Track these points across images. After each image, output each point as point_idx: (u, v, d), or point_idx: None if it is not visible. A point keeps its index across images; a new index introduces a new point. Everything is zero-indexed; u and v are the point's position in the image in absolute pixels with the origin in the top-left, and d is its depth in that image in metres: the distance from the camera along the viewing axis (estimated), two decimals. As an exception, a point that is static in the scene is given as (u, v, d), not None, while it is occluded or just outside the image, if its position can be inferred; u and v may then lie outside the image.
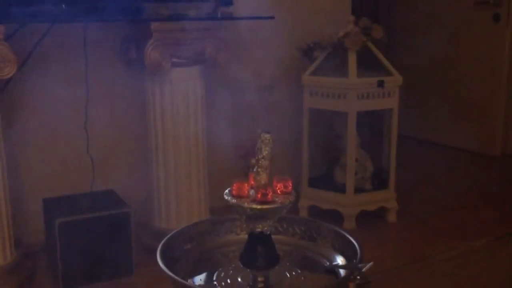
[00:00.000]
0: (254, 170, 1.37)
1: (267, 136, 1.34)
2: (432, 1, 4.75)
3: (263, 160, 1.36)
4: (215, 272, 1.48)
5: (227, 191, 1.39)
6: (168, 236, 1.52)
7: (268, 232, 1.39)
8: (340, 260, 1.52)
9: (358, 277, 1.33)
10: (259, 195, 1.34)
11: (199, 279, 1.47)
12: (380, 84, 2.92)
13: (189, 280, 1.43)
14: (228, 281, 1.44)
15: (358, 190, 3.04)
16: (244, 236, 1.47)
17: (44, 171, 2.79)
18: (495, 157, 4.40)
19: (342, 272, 1.44)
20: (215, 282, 1.44)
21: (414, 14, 4.95)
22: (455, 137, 4.66)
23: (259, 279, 1.41)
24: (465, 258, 2.66)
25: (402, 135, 3.36)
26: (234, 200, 1.36)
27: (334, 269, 1.48)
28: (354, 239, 1.49)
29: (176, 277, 1.32)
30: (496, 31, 4.30)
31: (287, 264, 1.52)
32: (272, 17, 2.77)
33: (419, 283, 2.44)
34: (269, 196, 1.34)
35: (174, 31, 2.52)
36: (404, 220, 3.12)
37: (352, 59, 2.94)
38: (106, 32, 2.77)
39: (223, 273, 1.47)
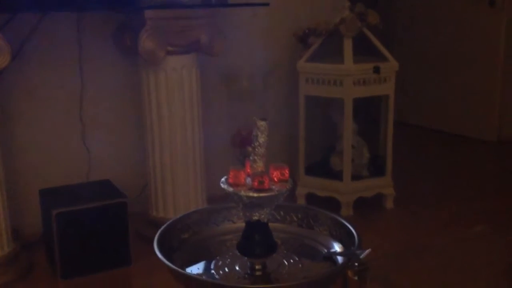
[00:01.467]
0: (251, 157, 1.37)
1: (263, 123, 1.33)
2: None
3: (259, 147, 1.35)
4: (212, 260, 1.48)
5: (223, 179, 1.38)
6: (165, 225, 1.51)
7: (265, 220, 1.39)
8: (337, 247, 1.51)
9: (356, 264, 1.32)
10: (255, 183, 1.33)
11: (197, 268, 1.47)
12: (376, 70, 2.90)
13: (186, 269, 1.43)
14: (226, 269, 1.44)
15: (355, 177, 3.04)
16: (241, 224, 1.47)
17: (40, 162, 2.78)
18: (492, 143, 4.40)
19: (340, 259, 1.44)
20: (212, 271, 1.43)
21: (411, 0, 4.93)
22: (452, 123, 4.66)
23: (257, 267, 1.41)
24: (461, 244, 2.67)
25: (399, 121, 3.35)
26: (230, 188, 1.35)
27: (331, 256, 1.48)
28: (352, 226, 1.49)
29: (173, 266, 1.32)
30: (491, 16, 4.28)
31: (285, 251, 1.52)
32: (266, 4, 2.75)
33: (416, 269, 2.44)
34: (265, 184, 1.33)
35: (168, 19, 2.50)
36: (401, 207, 3.12)
37: (348, 45, 2.93)
38: (101, 21, 2.75)
39: (220, 262, 1.47)
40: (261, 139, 1.34)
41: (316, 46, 3.05)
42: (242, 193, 1.33)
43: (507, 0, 4.23)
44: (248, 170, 1.38)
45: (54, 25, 2.66)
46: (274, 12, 3.14)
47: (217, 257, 1.50)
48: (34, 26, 2.60)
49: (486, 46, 4.36)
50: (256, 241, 1.39)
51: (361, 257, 1.33)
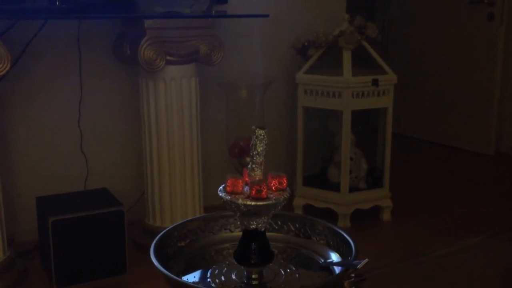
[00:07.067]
0: (249, 166, 1.36)
1: (262, 132, 1.33)
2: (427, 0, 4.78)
3: (257, 156, 1.35)
4: (209, 269, 1.47)
5: (221, 187, 1.38)
6: (161, 233, 1.50)
7: (263, 229, 1.38)
8: (334, 257, 1.51)
9: (353, 275, 1.32)
10: (253, 192, 1.32)
11: (193, 276, 1.46)
12: (375, 82, 2.92)
13: (183, 278, 1.42)
14: (222, 278, 1.43)
15: (353, 188, 3.04)
16: (238, 233, 1.46)
17: (37, 169, 2.78)
18: (489, 156, 4.41)
19: (336, 269, 1.44)
20: (209, 280, 1.43)
21: (409, 13, 4.96)
22: (449, 136, 4.67)
23: (254, 276, 1.40)
24: (459, 255, 2.67)
25: (397, 133, 3.36)
26: (228, 197, 1.35)
27: (329, 266, 1.47)
28: (349, 236, 1.49)
29: (170, 274, 1.31)
30: (490, 30, 4.31)
31: (282, 261, 1.51)
32: (266, 16, 2.77)
33: (414, 280, 2.43)
34: (263, 193, 1.33)
35: (168, 29, 2.52)
36: (399, 219, 3.12)
37: (347, 57, 2.94)
38: (100, 30, 2.77)
39: (217, 270, 1.46)
40: (260, 148, 1.34)
41: (315, 58, 3.06)
42: (240, 201, 1.32)
43: (506, 15, 4.26)
44: (246, 179, 1.38)
45: (54, 33, 2.67)
46: (274, 24, 3.15)
47: (214, 266, 1.49)
48: (34, 34, 2.61)
49: (484, 60, 4.38)
50: (253, 250, 1.38)
51: (358, 267, 1.33)
